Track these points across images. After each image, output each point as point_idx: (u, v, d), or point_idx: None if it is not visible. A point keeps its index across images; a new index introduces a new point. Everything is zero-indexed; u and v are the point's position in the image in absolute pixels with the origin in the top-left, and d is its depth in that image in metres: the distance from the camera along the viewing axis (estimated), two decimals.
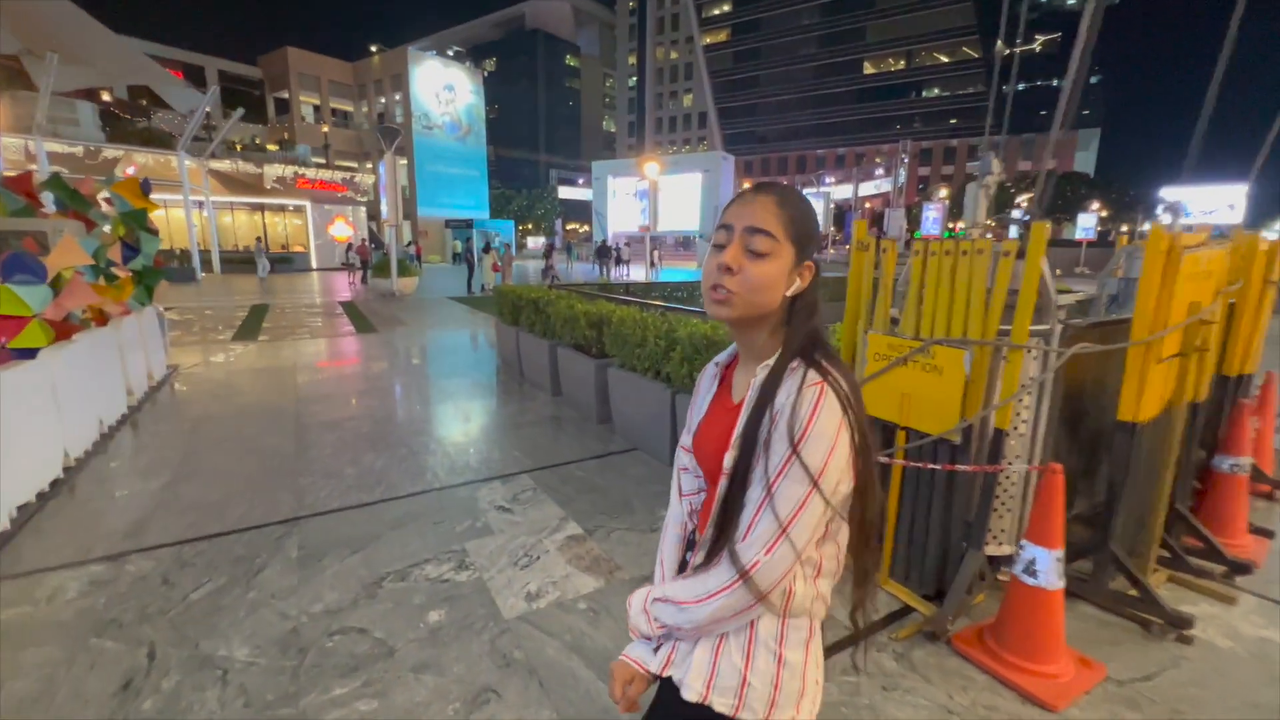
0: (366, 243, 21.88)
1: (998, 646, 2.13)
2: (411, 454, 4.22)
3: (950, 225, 32.88)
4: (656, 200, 21.76)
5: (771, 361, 0.83)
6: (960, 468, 2.29)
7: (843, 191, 43.60)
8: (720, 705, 0.83)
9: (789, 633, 0.84)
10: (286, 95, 40.50)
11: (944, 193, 39.40)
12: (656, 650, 0.93)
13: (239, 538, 3.01)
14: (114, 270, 5.44)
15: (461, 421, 5.09)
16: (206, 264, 22.07)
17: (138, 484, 3.64)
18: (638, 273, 23.12)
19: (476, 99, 39.93)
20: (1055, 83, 63.16)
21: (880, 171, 46.09)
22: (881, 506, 1.14)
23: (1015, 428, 2.38)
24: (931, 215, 27.60)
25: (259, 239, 22.74)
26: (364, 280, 19.27)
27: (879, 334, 2.56)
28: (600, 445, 4.45)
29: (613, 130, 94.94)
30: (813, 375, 0.79)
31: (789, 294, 0.84)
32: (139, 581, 2.61)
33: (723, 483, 0.84)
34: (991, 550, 2.48)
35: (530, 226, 52.38)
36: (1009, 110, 20.49)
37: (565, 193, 56.34)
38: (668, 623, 0.88)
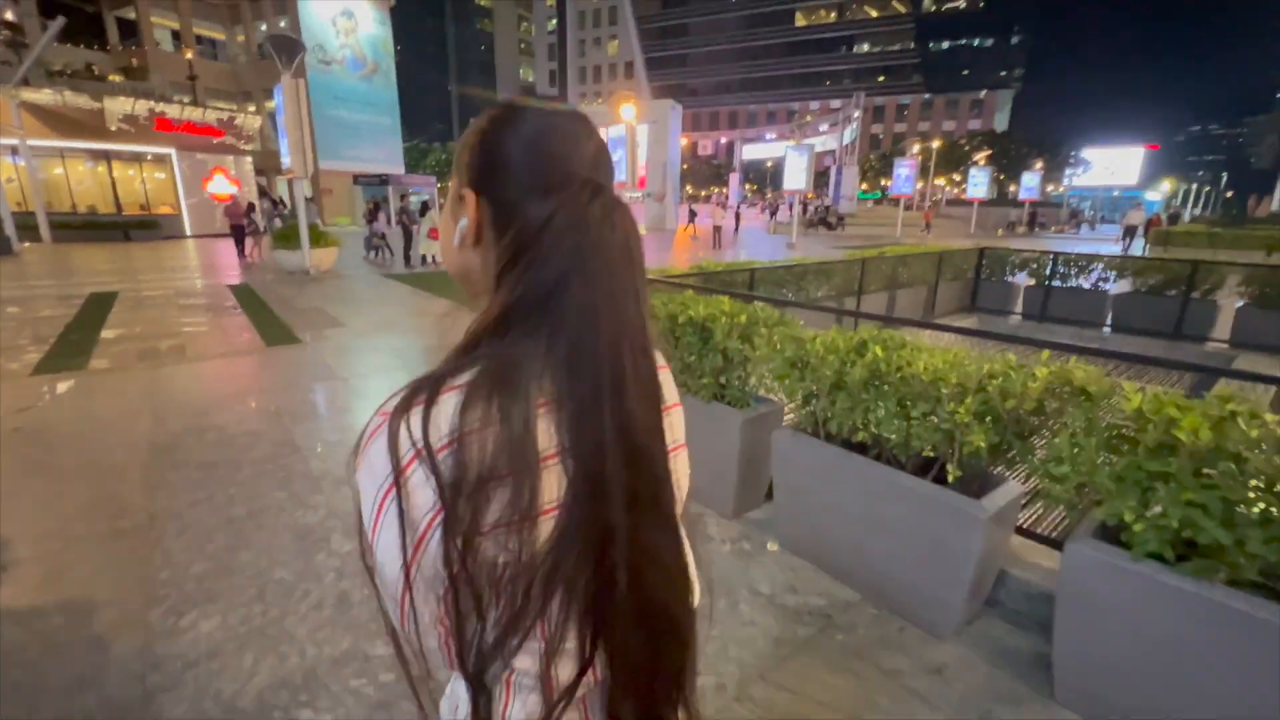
0: (258, 200, 16.79)
1: None
2: None
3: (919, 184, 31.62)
4: (637, 151, 18.15)
5: None
6: None
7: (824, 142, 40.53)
8: None
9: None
10: (134, 15, 32.41)
11: (917, 148, 38.10)
12: None
13: None
14: None
15: None
16: (31, 229, 16.45)
17: None
18: None
19: (382, 29, 33.41)
20: (976, 42, 63.93)
21: (824, 127, 44.27)
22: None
23: None
24: (904, 172, 25.85)
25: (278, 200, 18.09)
26: (241, 252, 13.98)
27: None
28: None
29: (531, 80, 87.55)
30: (394, 401, 0.52)
31: (459, 243, 0.60)
32: None
33: None
34: None
35: (449, 185, 46.68)
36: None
37: None
38: None
